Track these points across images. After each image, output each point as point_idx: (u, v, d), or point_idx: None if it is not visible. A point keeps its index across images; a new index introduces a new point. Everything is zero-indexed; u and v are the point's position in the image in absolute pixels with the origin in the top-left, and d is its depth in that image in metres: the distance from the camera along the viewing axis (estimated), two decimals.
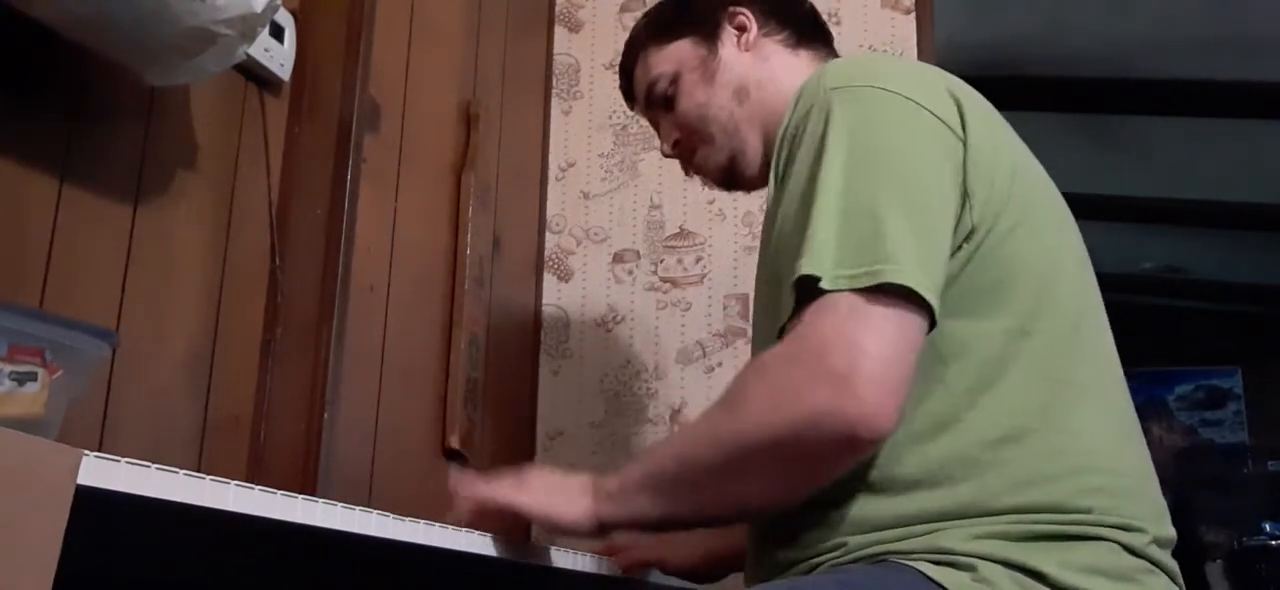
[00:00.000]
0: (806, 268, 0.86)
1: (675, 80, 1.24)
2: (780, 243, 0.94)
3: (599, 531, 1.01)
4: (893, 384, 0.83)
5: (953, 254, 0.91)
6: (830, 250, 0.86)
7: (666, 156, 1.29)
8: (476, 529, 0.98)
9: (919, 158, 0.91)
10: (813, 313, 0.86)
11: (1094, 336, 0.98)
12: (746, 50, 1.22)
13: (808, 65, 1.19)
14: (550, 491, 1.03)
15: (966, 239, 0.92)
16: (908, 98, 0.93)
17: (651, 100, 1.28)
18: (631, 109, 1.36)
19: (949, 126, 0.93)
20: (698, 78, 1.22)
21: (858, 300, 0.84)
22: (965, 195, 0.92)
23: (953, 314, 0.91)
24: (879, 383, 0.82)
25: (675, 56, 1.24)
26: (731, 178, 1.23)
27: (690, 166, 1.28)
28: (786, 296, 0.89)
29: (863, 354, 0.83)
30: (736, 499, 0.93)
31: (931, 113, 0.93)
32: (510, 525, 1.03)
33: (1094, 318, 1.00)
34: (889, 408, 0.83)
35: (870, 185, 0.88)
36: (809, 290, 0.86)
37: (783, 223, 0.94)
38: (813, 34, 1.26)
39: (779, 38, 1.23)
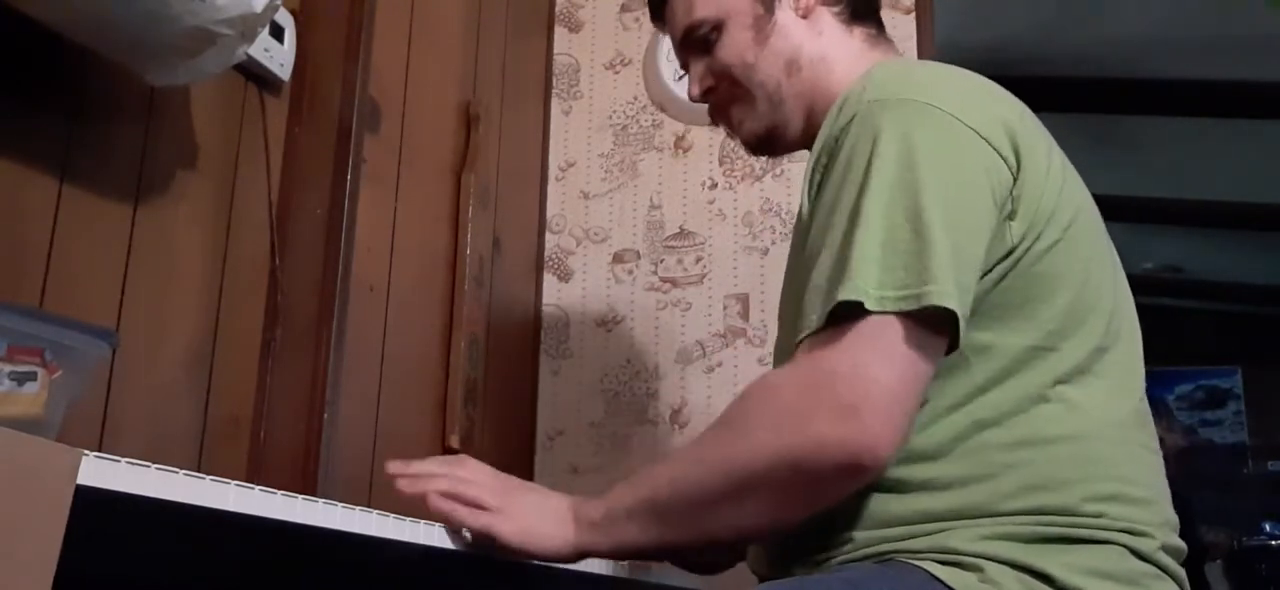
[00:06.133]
0: (846, 293, 0.84)
1: (719, 28, 1.14)
2: (809, 256, 0.92)
3: (579, 560, 0.98)
4: (899, 416, 0.83)
5: (990, 270, 0.90)
6: (873, 271, 0.84)
7: (694, 100, 1.20)
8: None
9: (961, 180, 0.89)
10: (830, 334, 0.85)
11: (1122, 348, 0.97)
12: (803, 16, 1.13)
13: (860, 45, 1.13)
14: (528, 518, 0.96)
15: (1005, 256, 0.90)
16: (954, 117, 0.91)
17: (688, 41, 1.18)
18: (655, 27, 1.27)
19: (996, 149, 0.91)
20: (750, 36, 1.13)
21: (880, 325, 0.83)
22: (1009, 216, 0.90)
23: (979, 323, 0.90)
24: (886, 415, 0.82)
25: (725, 3, 1.14)
26: (766, 145, 1.17)
27: (720, 118, 1.19)
28: (810, 313, 0.87)
29: (874, 384, 0.82)
30: (734, 523, 0.90)
31: (977, 133, 0.91)
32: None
33: (1124, 329, 0.98)
34: (893, 439, 0.82)
35: (913, 206, 0.86)
36: (841, 309, 0.84)
37: (815, 237, 0.92)
38: (866, 11, 1.17)
39: (835, 10, 1.14)
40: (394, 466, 1.01)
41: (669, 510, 0.91)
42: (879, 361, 0.82)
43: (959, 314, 0.83)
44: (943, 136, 0.90)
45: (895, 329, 0.83)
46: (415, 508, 0.95)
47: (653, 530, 0.92)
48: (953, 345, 0.86)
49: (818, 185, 0.96)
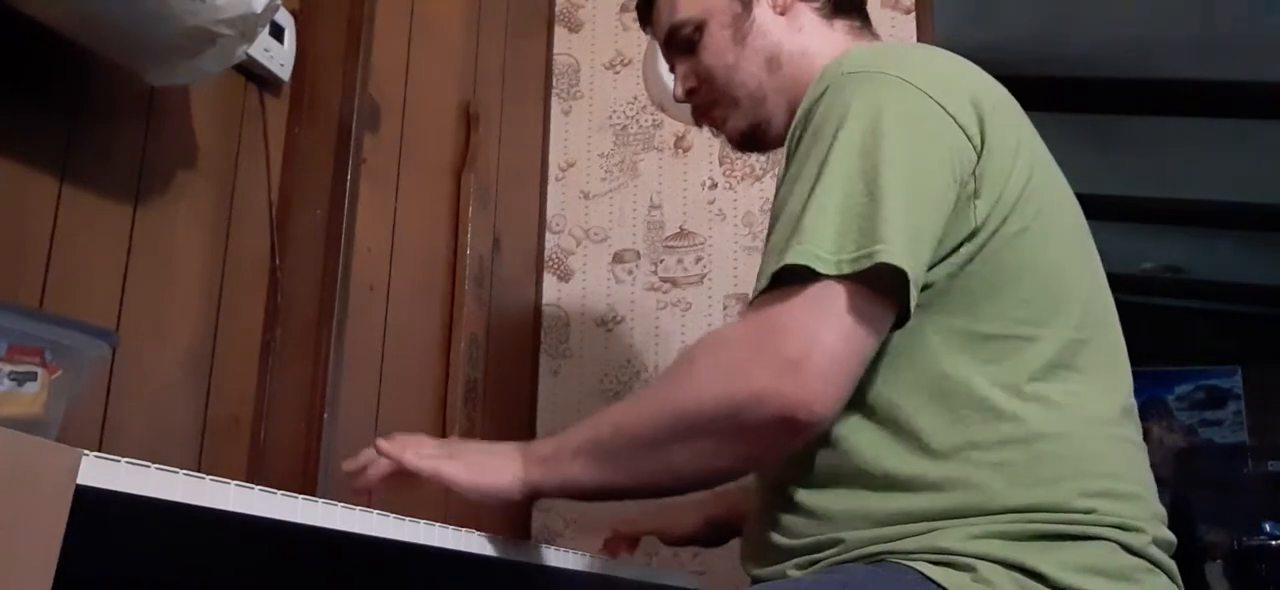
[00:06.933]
0: (795, 256, 0.86)
1: (701, 28, 1.15)
2: (773, 219, 0.95)
3: (529, 499, 1.01)
4: (839, 377, 0.85)
5: (954, 250, 0.91)
6: (827, 234, 0.86)
7: (679, 101, 1.21)
8: (387, 492, 0.98)
9: (922, 150, 0.90)
10: (781, 293, 0.87)
11: (1102, 342, 0.98)
12: (781, 13, 1.14)
13: (842, 38, 1.14)
14: (477, 459, 1.02)
15: (970, 237, 0.91)
16: (923, 91, 0.93)
17: (672, 42, 1.19)
18: (643, 30, 1.29)
19: (961, 127, 0.92)
20: (729, 35, 1.14)
21: (828, 287, 0.85)
22: (972, 195, 0.91)
23: (954, 313, 0.91)
24: (826, 374, 0.84)
25: (705, 2, 1.15)
26: (751, 142, 1.18)
27: (704, 118, 1.21)
28: (764, 272, 0.89)
29: (817, 343, 0.84)
30: (673, 468, 0.93)
31: (943, 108, 0.92)
32: (429, 493, 1.02)
33: (1102, 323, 0.99)
34: (831, 398, 0.85)
35: (872, 172, 0.88)
36: (790, 271, 0.86)
37: (780, 200, 0.95)
38: (848, 4, 1.17)
39: (815, 4, 1.15)
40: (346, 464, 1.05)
41: (612, 450, 0.95)
42: (825, 322, 0.84)
43: (909, 274, 0.84)
44: (909, 108, 0.92)
45: (843, 292, 0.85)
46: (415, 508, 0.95)
47: (595, 469, 0.95)
48: (903, 314, 0.87)
49: (791, 156, 0.97)
